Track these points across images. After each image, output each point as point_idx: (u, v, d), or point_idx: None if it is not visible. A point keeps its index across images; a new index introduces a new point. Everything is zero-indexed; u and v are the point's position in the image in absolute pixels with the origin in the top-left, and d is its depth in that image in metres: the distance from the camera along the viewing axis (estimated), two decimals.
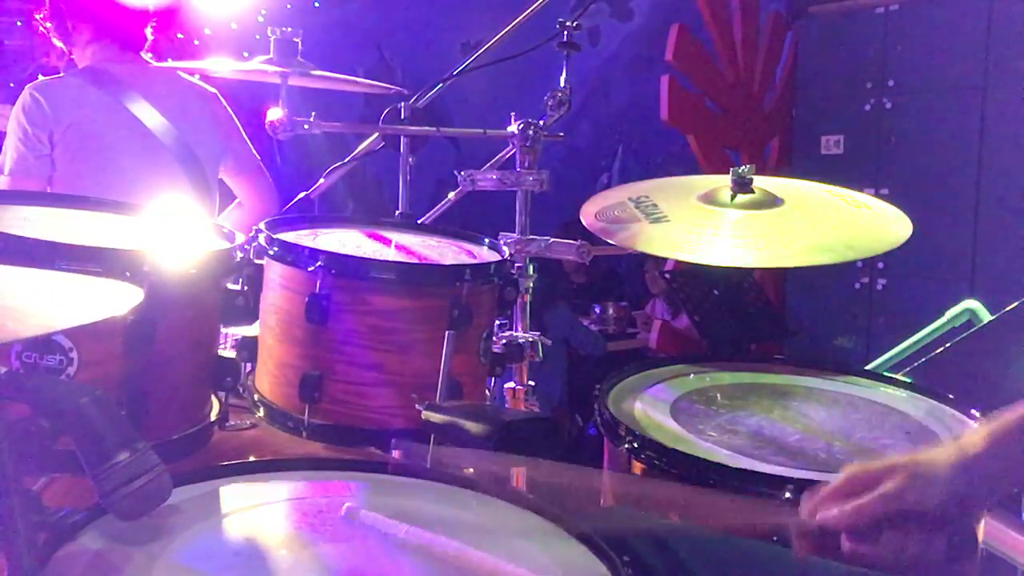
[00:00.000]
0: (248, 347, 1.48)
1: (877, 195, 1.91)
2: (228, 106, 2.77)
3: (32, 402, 0.83)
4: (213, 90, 2.73)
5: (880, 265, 4.99)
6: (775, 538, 1.16)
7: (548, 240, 1.80)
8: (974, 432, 1.04)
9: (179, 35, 4.46)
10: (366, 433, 1.40)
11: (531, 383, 1.82)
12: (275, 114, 1.78)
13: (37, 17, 2.68)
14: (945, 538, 0.97)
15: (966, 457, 0.99)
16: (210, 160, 2.68)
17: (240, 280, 1.44)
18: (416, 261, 1.55)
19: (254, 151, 2.81)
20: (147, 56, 2.67)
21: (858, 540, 0.97)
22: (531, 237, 1.79)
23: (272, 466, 1.13)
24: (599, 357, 4.86)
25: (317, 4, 5.44)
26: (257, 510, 1.02)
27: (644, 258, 5.48)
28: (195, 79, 2.71)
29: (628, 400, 1.54)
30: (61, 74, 2.65)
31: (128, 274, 1.15)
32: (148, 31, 2.66)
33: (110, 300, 0.89)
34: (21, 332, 0.74)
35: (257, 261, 1.46)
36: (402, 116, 1.95)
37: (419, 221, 1.89)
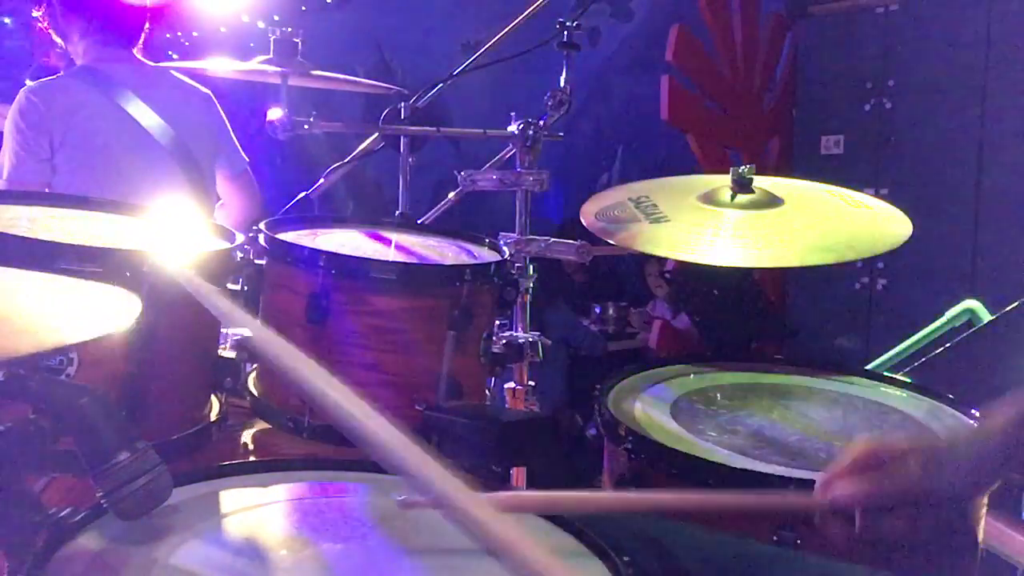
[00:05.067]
0: (248, 347, 1.48)
1: (877, 195, 1.91)
2: (221, 108, 2.77)
3: (32, 402, 0.83)
4: (207, 91, 2.74)
5: (880, 265, 4.99)
6: (775, 538, 1.16)
7: (548, 240, 1.80)
8: (991, 417, 1.04)
9: (178, 33, 4.45)
10: None
11: (531, 383, 1.82)
12: (275, 114, 1.78)
13: (35, 13, 2.67)
14: (953, 518, 0.98)
15: (982, 442, 1.00)
16: (206, 160, 2.68)
17: (240, 280, 1.44)
18: (416, 261, 1.55)
19: (243, 155, 2.81)
20: (140, 55, 2.67)
21: (871, 517, 0.97)
22: (531, 237, 1.79)
23: (272, 466, 1.13)
24: (599, 357, 4.86)
25: (329, 0, 5.43)
26: (257, 510, 1.02)
27: (644, 258, 5.48)
28: (190, 80, 2.71)
29: (628, 400, 1.54)
30: (56, 75, 2.64)
31: (128, 274, 1.16)
32: (143, 28, 2.66)
33: (112, 309, 0.88)
34: (22, 349, 0.73)
35: (257, 261, 1.46)
36: (402, 116, 1.95)
37: (419, 221, 1.89)
